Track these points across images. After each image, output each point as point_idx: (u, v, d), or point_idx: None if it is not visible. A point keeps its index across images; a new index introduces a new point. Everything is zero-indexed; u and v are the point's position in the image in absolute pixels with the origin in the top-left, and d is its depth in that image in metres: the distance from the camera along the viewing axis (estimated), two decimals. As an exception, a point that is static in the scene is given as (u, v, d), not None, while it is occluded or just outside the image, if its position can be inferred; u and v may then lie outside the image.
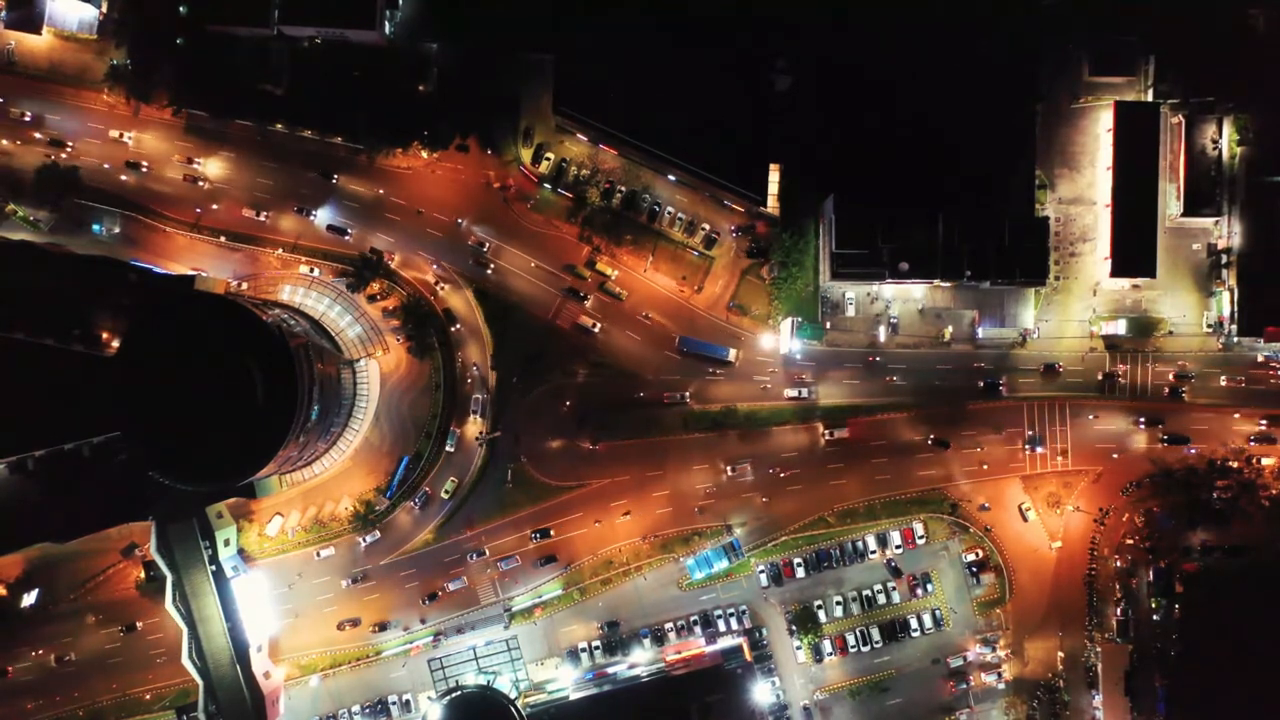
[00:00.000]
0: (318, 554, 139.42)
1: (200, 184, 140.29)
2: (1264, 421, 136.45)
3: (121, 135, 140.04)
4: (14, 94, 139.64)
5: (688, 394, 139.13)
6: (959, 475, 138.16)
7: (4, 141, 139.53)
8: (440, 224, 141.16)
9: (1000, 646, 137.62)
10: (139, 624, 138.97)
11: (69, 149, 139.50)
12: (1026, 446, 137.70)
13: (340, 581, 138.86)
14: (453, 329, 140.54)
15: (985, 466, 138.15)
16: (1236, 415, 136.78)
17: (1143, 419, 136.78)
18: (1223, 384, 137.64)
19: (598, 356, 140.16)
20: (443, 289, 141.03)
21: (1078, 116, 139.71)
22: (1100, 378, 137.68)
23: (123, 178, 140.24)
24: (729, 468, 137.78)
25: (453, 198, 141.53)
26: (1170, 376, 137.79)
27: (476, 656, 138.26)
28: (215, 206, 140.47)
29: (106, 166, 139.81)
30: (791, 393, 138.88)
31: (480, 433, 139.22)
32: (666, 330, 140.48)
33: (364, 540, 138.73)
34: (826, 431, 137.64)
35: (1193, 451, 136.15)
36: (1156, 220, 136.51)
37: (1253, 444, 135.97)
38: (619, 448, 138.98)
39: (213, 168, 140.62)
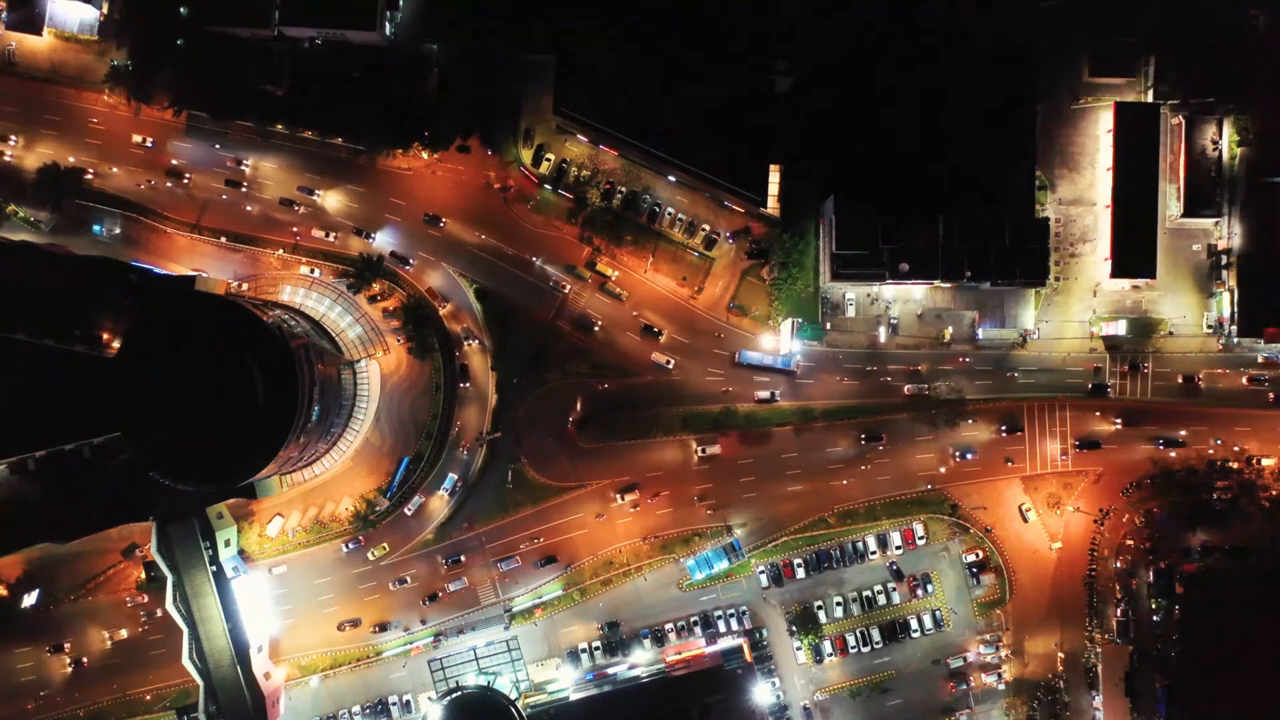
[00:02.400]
0: (346, 546, 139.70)
1: (299, 207, 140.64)
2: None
3: (240, 162, 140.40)
4: (14, 94, 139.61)
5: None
6: (959, 476, 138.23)
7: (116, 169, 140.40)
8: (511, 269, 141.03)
9: (1002, 646, 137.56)
10: (140, 627, 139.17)
11: (186, 179, 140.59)
12: (956, 454, 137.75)
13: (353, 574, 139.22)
14: (462, 386, 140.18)
15: (1011, 462, 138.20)
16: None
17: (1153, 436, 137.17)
18: (1221, 385, 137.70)
19: (598, 357, 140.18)
20: (469, 344, 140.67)
21: (1078, 117, 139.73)
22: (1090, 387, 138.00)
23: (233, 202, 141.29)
24: (700, 448, 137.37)
25: (453, 199, 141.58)
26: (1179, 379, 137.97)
27: (477, 657, 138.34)
28: (295, 229, 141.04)
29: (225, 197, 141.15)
30: (763, 395, 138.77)
31: (480, 433, 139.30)
32: (665, 331, 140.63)
33: (444, 489, 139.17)
34: (699, 448, 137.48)
35: (1174, 455, 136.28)
36: (1157, 221, 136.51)
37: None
38: (619, 447, 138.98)
39: (332, 200, 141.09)
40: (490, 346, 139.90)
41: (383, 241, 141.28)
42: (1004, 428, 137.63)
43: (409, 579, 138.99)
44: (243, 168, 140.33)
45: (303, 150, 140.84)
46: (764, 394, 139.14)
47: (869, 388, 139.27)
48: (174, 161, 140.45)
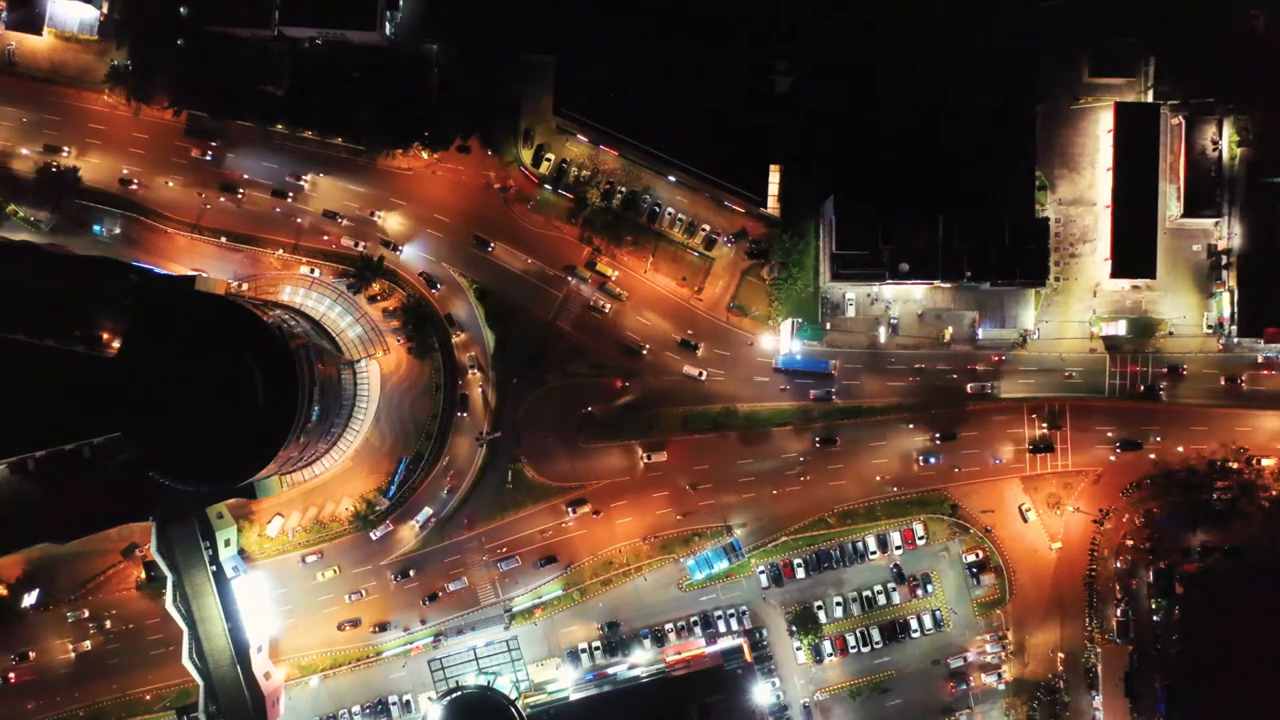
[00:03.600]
0: (304, 560, 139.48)
1: (341, 220, 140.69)
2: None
3: (299, 177, 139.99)
4: (15, 95, 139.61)
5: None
6: (959, 476, 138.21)
7: (171, 184, 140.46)
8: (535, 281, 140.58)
9: (1008, 644, 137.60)
10: (140, 623, 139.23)
11: (291, 197, 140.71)
12: (920, 459, 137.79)
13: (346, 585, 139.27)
14: (459, 415, 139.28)
15: (998, 461, 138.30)
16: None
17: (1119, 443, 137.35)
18: (1221, 384, 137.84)
19: (598, 357, 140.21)
20: (472, 373, 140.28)
21: (1078, 117, 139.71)
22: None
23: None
24: (646, 455, 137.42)
25: (453, 199, 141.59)
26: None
27: (477, 657, 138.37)
28: (325, 236, 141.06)
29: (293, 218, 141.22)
30: (692, 372, 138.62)
31: (480, 433, 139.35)
32: (667, 331, 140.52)
33: (416, 520, 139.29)
34: (645, 455, 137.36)
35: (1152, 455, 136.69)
36: (1157, 221, 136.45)
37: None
38: (619, 448, 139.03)
39: (392, 221, 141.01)
40: (495, 381, 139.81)
41: (411, 256, 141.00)
42: (937, 435, 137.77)
43: (364, 592, 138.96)
44: (302, 183, 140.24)
45: (357, 166, 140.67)
46: (692, 371, 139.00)
47: (920, 386, 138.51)
48: (245, 176, 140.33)
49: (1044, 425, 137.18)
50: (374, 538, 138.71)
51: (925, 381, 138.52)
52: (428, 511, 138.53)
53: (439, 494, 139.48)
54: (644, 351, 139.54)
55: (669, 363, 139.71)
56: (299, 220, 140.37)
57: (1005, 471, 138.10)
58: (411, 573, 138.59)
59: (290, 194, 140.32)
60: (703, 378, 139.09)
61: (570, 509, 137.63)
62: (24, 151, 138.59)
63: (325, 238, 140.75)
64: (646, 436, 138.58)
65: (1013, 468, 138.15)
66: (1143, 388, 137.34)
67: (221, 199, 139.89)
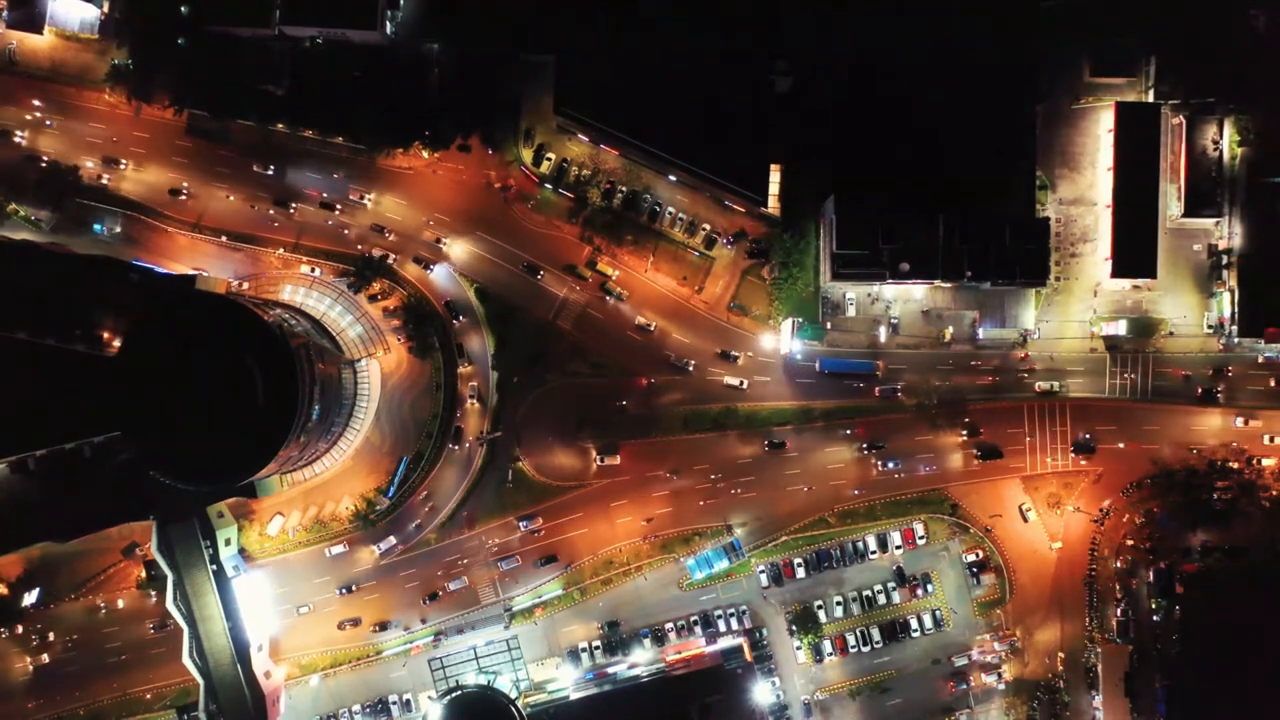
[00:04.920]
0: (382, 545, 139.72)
1: (387, 234, 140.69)
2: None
3: (363, 196, 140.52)
4: (15, 94, 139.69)
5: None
6: (959, 476, 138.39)
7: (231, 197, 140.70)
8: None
9: (1017, 643, 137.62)
10: (140, 623, 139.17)
11: (339, 210, 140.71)
12: (879, 464, 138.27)
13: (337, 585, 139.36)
14: (450, 447, 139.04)
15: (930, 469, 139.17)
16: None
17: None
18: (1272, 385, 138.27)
19: (598, 357, 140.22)
20: (470, 403, 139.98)
21: (1078, 117, 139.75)
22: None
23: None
24: (600, 458, 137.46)
25: (454, 198, 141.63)
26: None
27: (477, 656, 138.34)
28: (360, 246, 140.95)
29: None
30: (732, 382, 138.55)
31: (481, 433, 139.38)
32: (666, 331, 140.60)
33: (379, 547, 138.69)
34: (598, 457, 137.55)
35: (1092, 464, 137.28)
36: (1157, 221, 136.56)
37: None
38: (650, 446, 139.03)
39: (458, 249, 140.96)
40: (492, 406, 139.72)
41: (441, 278, 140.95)
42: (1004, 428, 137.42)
43: (311, 606, 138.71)
44: (365, 200, 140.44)
45: (358, 165, 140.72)
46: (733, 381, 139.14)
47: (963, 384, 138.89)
48: (308, 191, 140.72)
49: (964, 433, 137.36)
50: (329, 555, 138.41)
51: (984, 381, 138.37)
52: (392, 540, 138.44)
53: (408, 527, 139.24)
54: (690, 368, 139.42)
55: (711, 376, 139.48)
56: (346, 232, 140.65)
57: (1006, 471, 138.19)
58: (353, 587, 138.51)
59: (339, 206, 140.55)
60: (745, 386, 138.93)
61: (520, 523, 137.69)
62: (89, 164, 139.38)
63: (360, 246, 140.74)
64: (647, 436, 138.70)
65: (1013, 468, 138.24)
66: (1200, 390, 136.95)
67: (271, 211, 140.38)
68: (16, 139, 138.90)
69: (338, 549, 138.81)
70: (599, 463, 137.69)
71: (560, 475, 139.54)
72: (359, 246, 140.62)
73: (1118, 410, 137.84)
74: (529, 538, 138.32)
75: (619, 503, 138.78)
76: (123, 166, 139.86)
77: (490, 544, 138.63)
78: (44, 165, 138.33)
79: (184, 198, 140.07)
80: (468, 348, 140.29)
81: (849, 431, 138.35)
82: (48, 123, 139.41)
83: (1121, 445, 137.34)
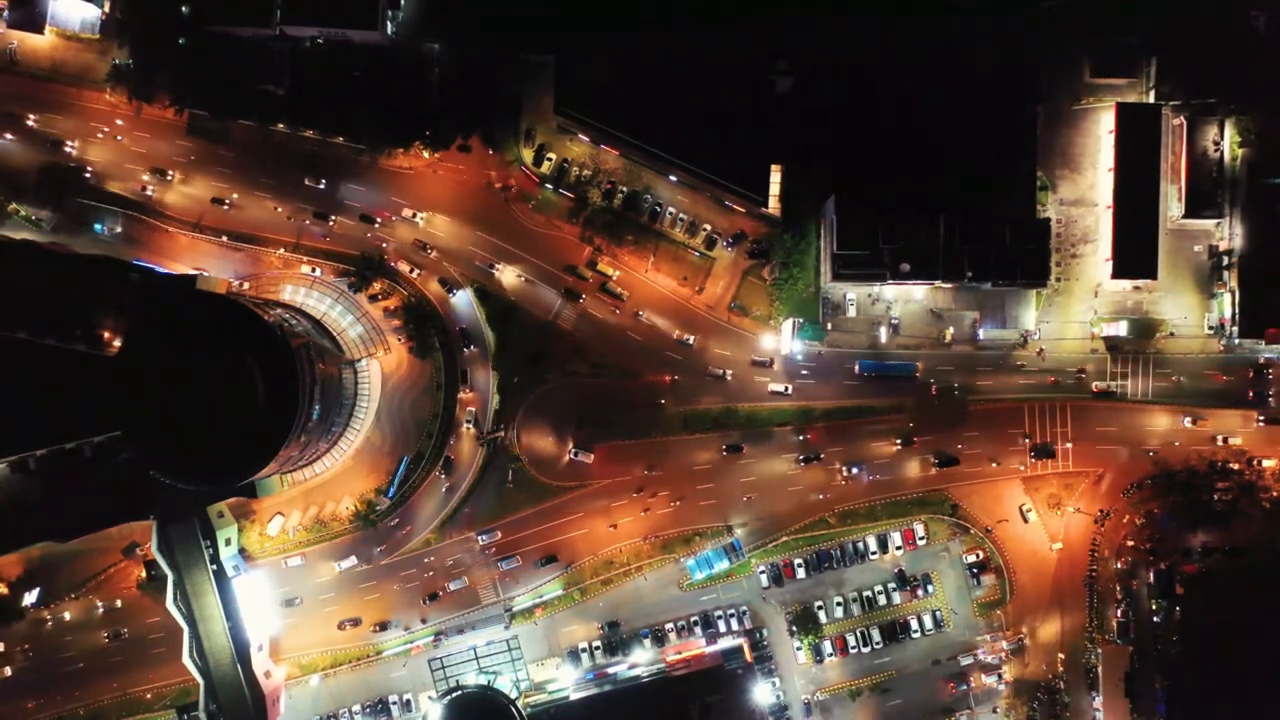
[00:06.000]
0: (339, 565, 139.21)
1: (430, 252, 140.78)
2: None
3: (415, 214, 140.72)
4: (16, 94, 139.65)
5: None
6: (960, 477, 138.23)
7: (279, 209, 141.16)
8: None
9: (1025, 641, 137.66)
10: (140, 622, 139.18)
11: (379, 223, 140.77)
12: (844, 470, 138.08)
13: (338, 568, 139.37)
14: (435, 473, 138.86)
15: (995, 465, 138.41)
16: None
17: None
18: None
19: (598, 357, 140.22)
20: (466, 428, 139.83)
21: (1079, 118, 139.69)
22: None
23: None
24: (573, 451, 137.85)
25: (454, 198, 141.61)
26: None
27: (477, 656, 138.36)
28: (402, 266, 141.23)
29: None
30: (777, 388, 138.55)
31: (481, 433, 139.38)
32: (667, 331, 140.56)
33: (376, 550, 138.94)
34: (571, 451, 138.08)
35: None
36: (1158, 222, 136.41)
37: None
38: (619, 448, 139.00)
39: (509, 274, 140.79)
40: (493, 407, 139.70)
41: (461, 303, 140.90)
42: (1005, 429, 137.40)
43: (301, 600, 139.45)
44: (418, 218, 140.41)
45: (359, 165, 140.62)
46: (778, 387, 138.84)
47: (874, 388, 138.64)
48: (359, 206, 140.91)
49: (898, 441, 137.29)
50: (285, 566, 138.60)
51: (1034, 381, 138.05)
52: (354, 560, 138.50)
53: (371, 551, 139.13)
54: (728, 377, 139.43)
55: (754, 384, 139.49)
56: (385, 246, 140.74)
57: (1006, 472, 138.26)
58: (298, 600, 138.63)
59: (379, 220, 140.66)
60: (789, 392, 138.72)
61: (479, 537, 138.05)
62: (145, 178, 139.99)
63: (396, 263, 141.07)
64: (647, 436, 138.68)
65: (1013, 469, 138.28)
66: (1252, 394, 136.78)
67: (308, 222, 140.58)
68: (68, 148, 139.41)
69: (295, 561, 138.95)
70: (571, 455, 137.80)
71: (560, 475, 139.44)
72: (394, 262, 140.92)
73: (1118, 411, 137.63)
74: (493, 548, 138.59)
75: (619, 503, 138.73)
76: (170, 178, 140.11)
77: (447, 561, 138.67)
78: (88, 176, 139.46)
79: (227, 207, 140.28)
80: (472, 376, 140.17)
81: (803, 438, 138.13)
82: (98, 134, 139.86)
83: (1120, 446, 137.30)
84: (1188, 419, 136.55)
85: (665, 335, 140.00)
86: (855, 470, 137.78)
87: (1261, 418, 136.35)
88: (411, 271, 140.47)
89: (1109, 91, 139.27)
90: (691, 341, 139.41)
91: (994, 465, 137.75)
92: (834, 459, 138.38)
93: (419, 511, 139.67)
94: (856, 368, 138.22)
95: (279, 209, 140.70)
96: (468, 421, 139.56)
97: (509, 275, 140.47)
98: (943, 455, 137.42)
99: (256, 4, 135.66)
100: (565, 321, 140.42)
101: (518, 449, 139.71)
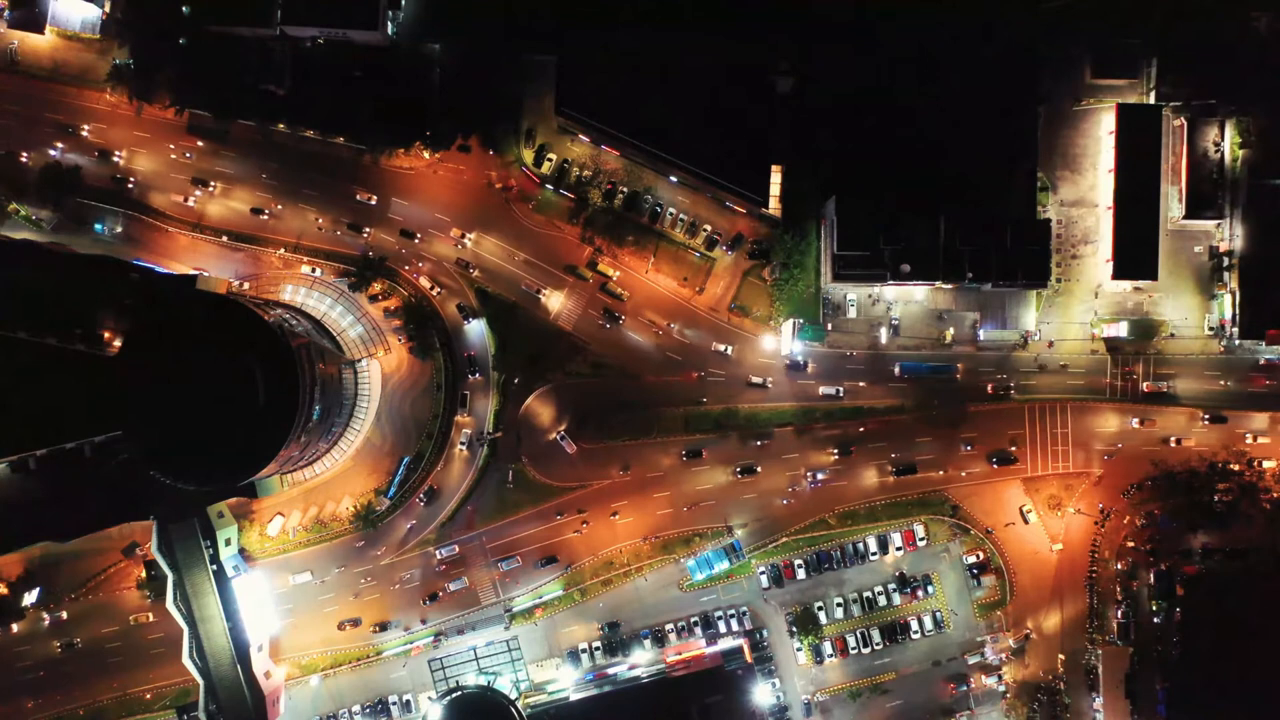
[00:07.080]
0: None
1: (474, 270, 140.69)
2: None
3: (464, 235, 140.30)
4: (16, 94, 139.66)
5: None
6: (960, 477, 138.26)
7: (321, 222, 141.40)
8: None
9: (1030, 638, 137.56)
10: (141, 621, 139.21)
11: (419, 239, 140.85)
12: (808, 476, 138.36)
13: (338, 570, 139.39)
14: (416, 499, 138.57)
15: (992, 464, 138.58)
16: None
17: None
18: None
19: (598, 357, 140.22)
20: (460, 449, 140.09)
21: (1079, 119, 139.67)
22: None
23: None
24: (560, 434, 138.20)
25: (455, 198, 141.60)
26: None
27: (477, 657, 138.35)
28: (435, 290, 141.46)
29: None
30: (828, 391, 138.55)
31: (482, 433, 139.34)
32: (666, 331, 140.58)
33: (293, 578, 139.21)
34: (560, 435, 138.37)
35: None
36: (1158, 223, 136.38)
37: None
38: (619, 448, 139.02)
39: (555, 300, 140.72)
40: (496, 381, 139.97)
41: (474, 333, 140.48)
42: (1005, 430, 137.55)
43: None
44: (466, 240, 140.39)
45: (359, 166, 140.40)
46: (829, 390, 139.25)
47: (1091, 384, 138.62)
48: (402, 221, 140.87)
49: (834, 451, 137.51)
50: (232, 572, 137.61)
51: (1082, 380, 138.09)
52: (308, 576, 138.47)
53: (331, 569, 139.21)
54: (769, 385, 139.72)
55: (802, 385, 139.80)
56: (420, 263, 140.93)
57: (1006, 472, 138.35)
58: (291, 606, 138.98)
59: (418, 236, 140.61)
60: (841, 395, 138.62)
61: (437, 552, 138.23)
62: (193, 188, 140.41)
63: (421, 278, 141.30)
64: (648, 436, 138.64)
65: (1013, 468, 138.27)
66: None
67: (338, 232, 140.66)
68: (115, 158, 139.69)
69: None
70: (558, 438, 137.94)
71: (560, 475, 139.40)
72: (421, 280, 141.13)
73: (1119, 411, 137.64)
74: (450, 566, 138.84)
75: (620, 503, 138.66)
76: (212, 189, 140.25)
77: (406, 575, 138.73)
78: (130, 185, 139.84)
79: (266, 217, 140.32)
80: (472, 401, 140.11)
81: (759, 443, 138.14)
82: (142, 146, 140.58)
83: (1120, 446, 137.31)
84: (1135, 420, 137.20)
85: (703, 348, 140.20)
86: (820, 476, 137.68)
87: None
88: (433, 289, 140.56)
89: (1109, 92, 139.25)
90: (729, 351, 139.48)
91: (963, 475, 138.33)
92: (873, 457, 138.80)
93: (393, 535, 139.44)
94: (896, 369, 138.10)
95: (320, 221, 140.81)
96: (462, 443, 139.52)
97: (554, 300, 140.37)
98: (903, 464, 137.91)
99: (257, 4, 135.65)
100: (565, 321, 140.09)
101: (518, 449, 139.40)
